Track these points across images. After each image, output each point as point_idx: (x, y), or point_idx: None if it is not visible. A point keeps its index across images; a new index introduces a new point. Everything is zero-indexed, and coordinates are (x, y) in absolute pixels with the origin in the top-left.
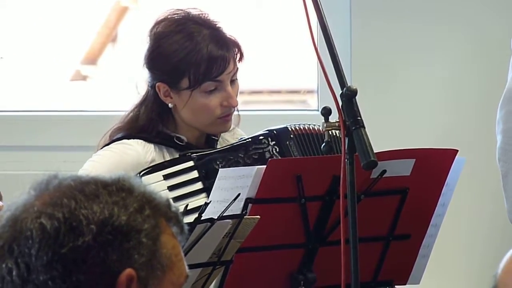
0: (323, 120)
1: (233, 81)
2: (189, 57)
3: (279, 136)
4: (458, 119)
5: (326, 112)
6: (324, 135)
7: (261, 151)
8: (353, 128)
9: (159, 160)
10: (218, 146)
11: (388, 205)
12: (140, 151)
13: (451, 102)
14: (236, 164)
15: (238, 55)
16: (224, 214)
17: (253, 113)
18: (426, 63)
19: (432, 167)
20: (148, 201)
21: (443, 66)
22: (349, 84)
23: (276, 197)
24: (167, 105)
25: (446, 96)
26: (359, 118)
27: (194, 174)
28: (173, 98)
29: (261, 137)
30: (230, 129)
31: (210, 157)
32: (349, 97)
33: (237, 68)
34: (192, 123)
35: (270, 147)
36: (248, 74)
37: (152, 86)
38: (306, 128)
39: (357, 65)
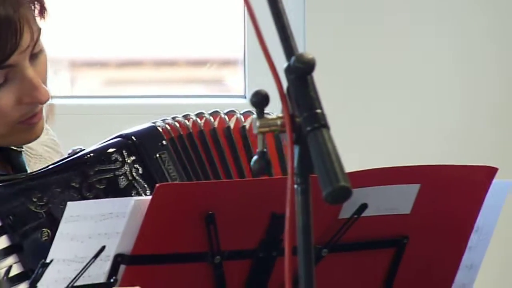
0: (255, 115)
1: (35, 57)
2: None
3: (142, 145)
4: (480, 119)
5: (259, 100)
6: (258, 140)
7: (111, 175)
8: (309, 129)
9: None
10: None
11: (371, 266)
12: None
13: (470, 91)
14: (68, 200)
15: (37, 6)
16: (77, 284)
17: (116, 101)
18: (431, 27)
19: (451, 198)
20: None
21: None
22: (300, 52)
23: (170, 252)
24: None
25: (462, 82)
26: (318, 111)
27: None
28: None
29: (110, 150)
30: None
31: (11, 188)
32: (301, 73)
33: (40, 30)
34: None
35: (127, 167)
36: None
37: None
38: (197, 122)
39: (314, 24)
